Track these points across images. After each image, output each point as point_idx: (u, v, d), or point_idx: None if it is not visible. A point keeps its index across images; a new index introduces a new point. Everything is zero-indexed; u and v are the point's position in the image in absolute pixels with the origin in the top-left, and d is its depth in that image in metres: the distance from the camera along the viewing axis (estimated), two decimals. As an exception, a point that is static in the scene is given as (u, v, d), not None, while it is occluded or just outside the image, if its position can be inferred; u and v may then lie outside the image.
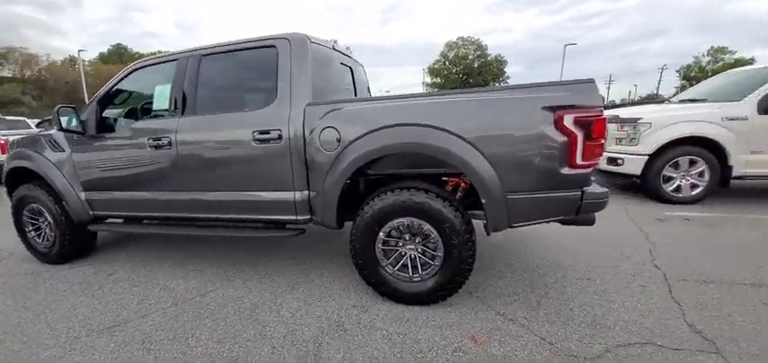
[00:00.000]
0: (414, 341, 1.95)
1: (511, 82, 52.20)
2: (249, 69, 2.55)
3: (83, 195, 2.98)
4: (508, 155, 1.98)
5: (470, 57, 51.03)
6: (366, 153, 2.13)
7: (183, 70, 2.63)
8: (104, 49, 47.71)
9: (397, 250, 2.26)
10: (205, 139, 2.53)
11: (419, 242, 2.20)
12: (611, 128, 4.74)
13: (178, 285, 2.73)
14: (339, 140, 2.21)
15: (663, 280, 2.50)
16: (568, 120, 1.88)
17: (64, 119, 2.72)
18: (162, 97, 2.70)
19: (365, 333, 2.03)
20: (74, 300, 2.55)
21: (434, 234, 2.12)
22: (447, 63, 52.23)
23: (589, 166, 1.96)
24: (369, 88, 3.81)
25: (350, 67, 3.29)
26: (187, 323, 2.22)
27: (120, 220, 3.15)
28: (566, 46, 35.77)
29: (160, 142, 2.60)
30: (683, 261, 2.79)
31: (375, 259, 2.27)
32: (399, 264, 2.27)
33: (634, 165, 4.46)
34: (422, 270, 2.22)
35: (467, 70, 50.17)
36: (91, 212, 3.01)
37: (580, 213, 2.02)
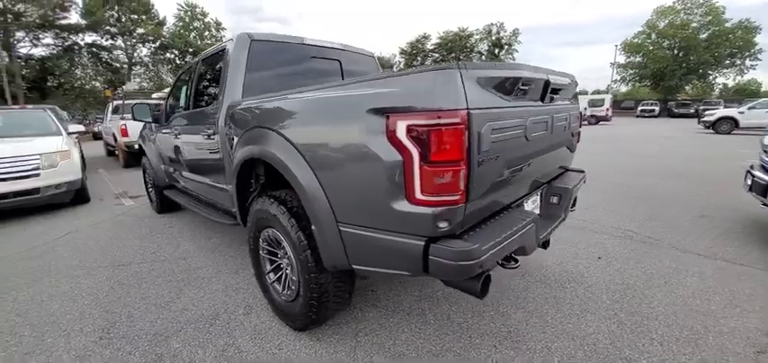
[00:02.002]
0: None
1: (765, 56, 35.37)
2: (216, 69, 2.84)
3: (162, 167, 4.11)
4: (336, 174, 1.49)
5: (694, 24, 37.07)
6: (238, 160, 2.05)
7: (192, 72, 3.19)
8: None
9: (278, 261, 2.09)
10: (188, 132, 3.02)
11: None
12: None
13: (187, 244, 3.42)
14: (232, 140, 2.21)
15: None
16: (401, 130, 1.23)
17: (137, 113, 3.79)
18: (184, 96, 3.37)
19: (217, 337, 2.01)
20: (131, 241, 3.60)
21: (290, 252, 1.84)
22: (653, 36, 39.93)
23: (437, 204, 1.23)
24: None
25: (339, 61, 3.13)
26: (154, 277, 2.77)
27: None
28: None
29: (176, 132, 3.28)
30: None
31: (259, 263, 2.18)
32: (278, 276, 2.09)
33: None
34: (287, 290, 1.98)
35: (686, 43, 36.83)
36: (166, 180, 4.12)
37: (432, 274, 1.30)
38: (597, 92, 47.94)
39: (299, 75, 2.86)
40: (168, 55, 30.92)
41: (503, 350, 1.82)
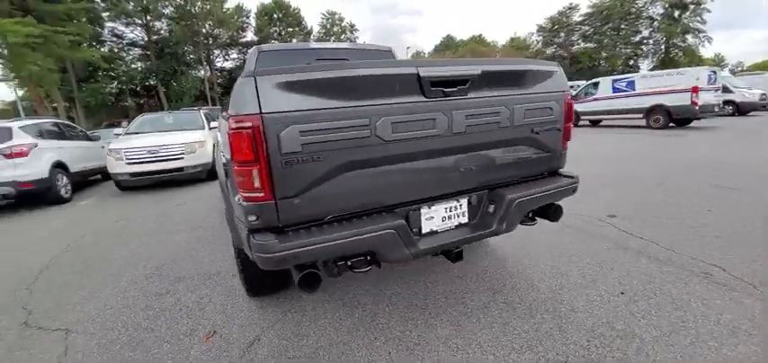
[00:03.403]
0: (199, 306, 2.32)
1: None
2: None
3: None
4: (227, 169, 1.76)
5: None
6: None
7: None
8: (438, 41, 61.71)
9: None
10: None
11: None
12: None
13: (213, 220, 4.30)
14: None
15: None
16: (230, 133, 1.42)
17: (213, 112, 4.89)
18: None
19: (205, 288, 2.59)
20: (214, 214, 4.73)
21: (236, 231, 2.23)
22: None
23: (247, 199, 1.40)
24: None
25: (346, 59, 3.33)
26: (207, 239, 3.67)
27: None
28: None
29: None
30: None
31: (240, 238, 2.66)
32: (246, 250, 2.53)
33: None
34: (244, 261, 2.38)
35: None
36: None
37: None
38: None
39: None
40: (314, 59, 36.76)
41: (392, 360, 1.74)
